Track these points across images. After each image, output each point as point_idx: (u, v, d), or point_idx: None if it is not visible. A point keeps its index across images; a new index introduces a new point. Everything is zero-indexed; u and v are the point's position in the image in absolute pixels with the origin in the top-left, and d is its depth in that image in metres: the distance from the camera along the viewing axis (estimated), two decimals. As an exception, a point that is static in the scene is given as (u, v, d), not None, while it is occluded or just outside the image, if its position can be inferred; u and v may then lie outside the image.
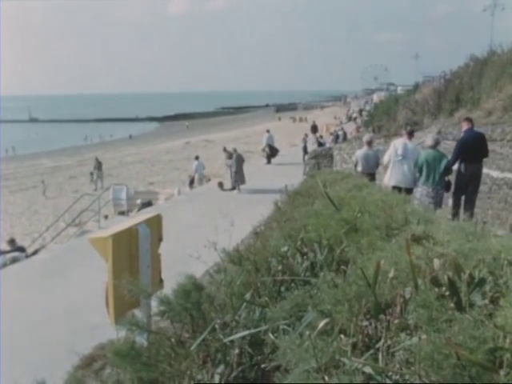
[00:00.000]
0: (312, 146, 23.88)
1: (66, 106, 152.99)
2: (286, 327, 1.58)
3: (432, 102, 18.50)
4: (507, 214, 7.16)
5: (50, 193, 25.64)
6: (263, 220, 4.92)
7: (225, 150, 18.99)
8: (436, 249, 1.65)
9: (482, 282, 1.33)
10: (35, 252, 10.80)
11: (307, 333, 1.29)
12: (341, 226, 2.37)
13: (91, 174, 27.23)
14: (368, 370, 1.16)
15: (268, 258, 2.34)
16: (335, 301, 1.46)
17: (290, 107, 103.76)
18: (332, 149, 20.00)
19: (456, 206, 6.67)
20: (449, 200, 7.19)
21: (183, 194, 17.31)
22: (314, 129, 32.33)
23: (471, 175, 6.61)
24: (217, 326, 1.84)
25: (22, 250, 10.25)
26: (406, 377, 1.11)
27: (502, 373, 1.00)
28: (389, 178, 7.34)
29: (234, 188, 15.38)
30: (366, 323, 1.39)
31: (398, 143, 7.48)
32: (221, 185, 15.79)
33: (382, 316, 1.38)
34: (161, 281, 3.29)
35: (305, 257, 2.23)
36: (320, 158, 18.82)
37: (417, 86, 28.05)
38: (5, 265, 8.81)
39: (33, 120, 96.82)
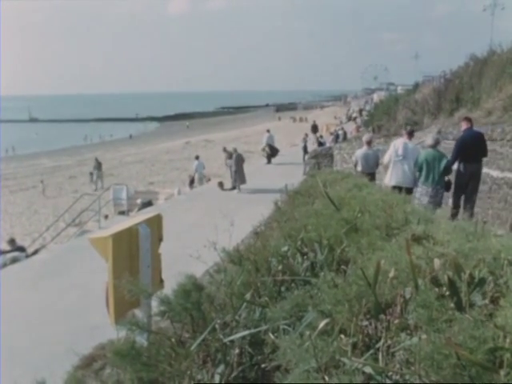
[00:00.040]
0: (312, 146, 23.88)
1: (66, 106, 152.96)
2: (286, 327, 1.58)
3: (432, 102, 18.50)
4: (507, 213, 7.15)
5: (50, 193, 25.64)
6: (263, 220, 4.92)
7: (225, 150, 18.99)
8: (436, 249, 1.65)
9: (482, 281, 1.33)
10: (35, 252, 10.80)
11: (307, 333, 1.29)
12: (341, 225, 2.37)
13: (91, 174, 27.23)
14: (368, 369, 1.16)
15: (268, 258, 2.34)
16: (335, 301, 1.46)
17: (290, 107, 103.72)
18: (332, 148, 20.01)
19: (456, 205, 6.67)
20: (449, 199, 7.19)
21: (183, 194, 17.31)
22: (315, 128, 32.32)
23: (471, 175, 6.61)
24: (217, 325, 1.84)
25: (22, 249, 10.26)
26: (406, 377, 1.11)
27: (502, 373, 1.00)
28: (389, 178, 7.34)
29: (234, 188, 15.38)
30: (366, 323, 1.39)
31: (398, 143, 7.48)
32: (221, 185, 15.80)
33: (382, 316, 1.38)
34: (161, 281, 3.30)
35: (305, 257, 2.23)
36: (320, 157, 18.82)
37: (417, 86, 28.07)
38: (5, 265, 8.81)
39: (33, 120, 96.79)
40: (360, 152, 8.63)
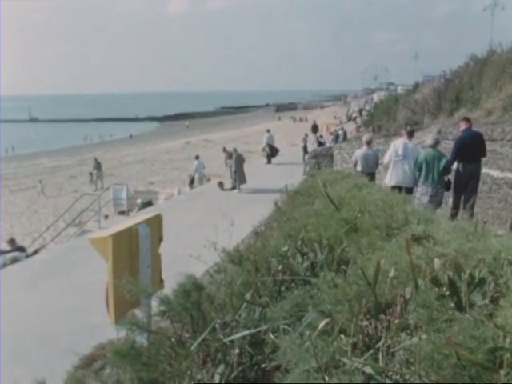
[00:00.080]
0: (312, 146, 23.87)
1: (65, 106, 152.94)
2: (286, 327, 1.58)
3: (432, 102, 18.50)
4: (507, 213, 7.16)
5: (50, 192, 25.63)
6: (263, 220, 4.91)
7: (224, 150, 18.98)
8: (436, 249, 1.65)
9: (482, 281, 1.33)
10: (35, 252, 10.80)
11: (307, 333, 1.29)
12: (341, 225, 2.37)
13: (90, 174, 27.23)
14: (368, 369, 1.16)
15: (268, 258, 2.34)
16: (335, 301, 1.46)
17: (290, 107, 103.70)
18: (332, 148, 20.00)
19: (456, 205, 6.68)
20: (449, 199, 7.20)
21: (183, 194, 17.30)
22: (315, 128, 32.32)
23: (470, 175, 6.61)
24: (217, 325, 1.84)
25: (22, 249, 10.25)
26: (406, 377, 1.11)
27: (502, 373, 1.00)
28: (389, 178, 7.35)
29: (234, 188, 15.38)
30: (366, 323, 1.39)
31: (398, 143, 7.48)
32: (221, 184, 15.80)
33: (382, 316, 1.38)
34: (161, 281, 3.30)
35: (305, 257, 2.23)
36: (320, 157, 18.81)
37: (417, 86, 28.07)
38: (5, 265, 8.81)
39: (33, 120, 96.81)
40: (360, 152, 8.63)
